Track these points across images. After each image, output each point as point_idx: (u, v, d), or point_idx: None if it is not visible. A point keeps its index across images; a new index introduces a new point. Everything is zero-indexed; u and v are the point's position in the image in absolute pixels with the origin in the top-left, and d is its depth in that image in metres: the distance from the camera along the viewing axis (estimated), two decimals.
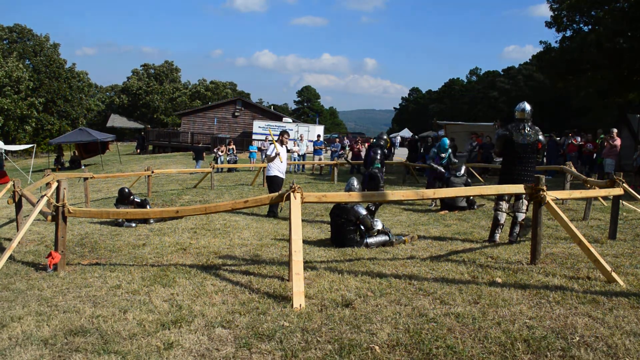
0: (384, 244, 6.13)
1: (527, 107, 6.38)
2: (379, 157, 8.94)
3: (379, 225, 6.26)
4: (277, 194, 4.84)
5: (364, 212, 6.17)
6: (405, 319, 3.54)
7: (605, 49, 17.74)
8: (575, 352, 2.96)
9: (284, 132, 9.78)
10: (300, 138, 22.36)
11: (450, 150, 11.09)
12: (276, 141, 9.49)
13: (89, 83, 61.72)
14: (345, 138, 23.17)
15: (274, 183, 9.20)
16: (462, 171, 10.19)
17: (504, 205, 6.36)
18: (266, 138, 23.82)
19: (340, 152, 20.77)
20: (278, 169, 9.28)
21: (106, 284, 4.62)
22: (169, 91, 66.75)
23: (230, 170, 19.92)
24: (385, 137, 9.54)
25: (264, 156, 20.77)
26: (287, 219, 5.20)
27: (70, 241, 6.60)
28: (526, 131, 6.23)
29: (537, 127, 6.36)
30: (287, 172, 19.92)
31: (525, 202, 6.35)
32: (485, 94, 62.19)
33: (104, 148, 27.63)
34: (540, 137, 6.30)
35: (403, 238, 6.39)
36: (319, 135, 23.05)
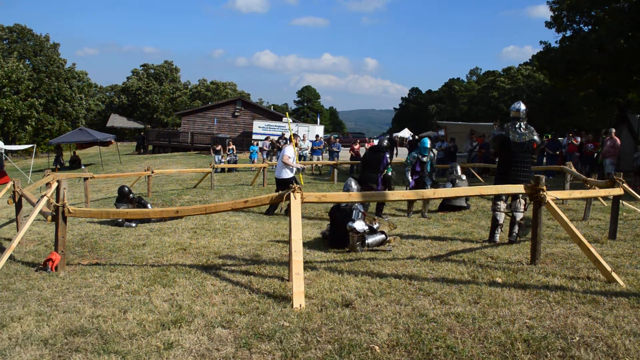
0: (382, 242, 6.12)
1: (522, 106, 6.42)
2: (389, 161, 9.05)
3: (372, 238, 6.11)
4: (277, 194, 4.84)
5: (360, 226, 5.92)
6: (405, 319, 3.54)
7: (606, 50, 17.73)
8: (575, 352, 2.96)
9: (295, 135, 10.02)
10: (303, 138, 22.36)
11: (433, 155, 9.55)
12: (290, 143, 9.67)
13: (88, 83, 61.75)
14: (336, 139, 22.86)
15: (287, 185, 9.31)
16: (459, 173, 10.14)
17: (502, 205, 6.38)
18: (267, 138, 23.81)
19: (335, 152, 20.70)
20: (291, 170, 9.40)
21: (106, 284, 4.62)
22: (169, 91, 66.77)
23: (230, 170, 19.91)
24: (386, 142, 9.51)
25: (264, 156, 20.79)
26: (287, 219, 5.20)
27: (70, 241, 6.60)
28: (522, 130, 6.27)
29: (532, 127, 6.39)
30: None
31: (523, 201, 6.37)
32: (485, 94, 62.18)
33: (104, 143, 27.62)
34: (535, 137, 6.32)
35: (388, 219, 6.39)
36: (317, 136, 23.06)
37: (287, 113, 16.57)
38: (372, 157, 9.02)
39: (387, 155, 8.94)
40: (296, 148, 9.56)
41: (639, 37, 17.48)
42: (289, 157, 9.25)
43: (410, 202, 9.05)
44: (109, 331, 3.43)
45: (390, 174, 8.94)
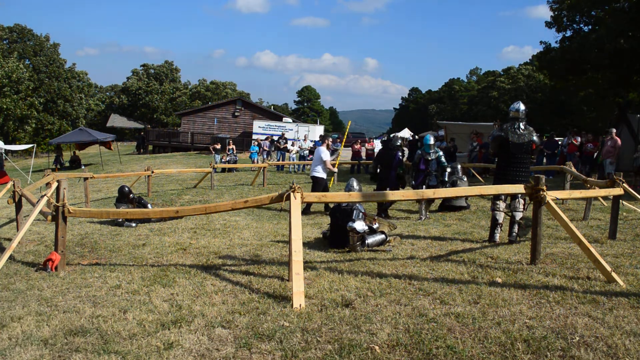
0: (381, 242, 6.12)
1: (522, 106, 6.42)
2: (401, 159, 9.20)
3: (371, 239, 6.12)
4: (276, 194, 4.84)
5: (361, 227, 5.96)
6: (405, 319, 3.54)
7: (607, 50, 17.73)
8: (575, 352, 2.96)
9: (327, 136, 10.45)
10: (304, 138, 22.43)
11: (439, 152, 9.20)
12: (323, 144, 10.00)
13: (88, 83, 61.76)
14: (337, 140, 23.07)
15: (322, 184, 9.67)
16: (460, 174, 10.16)
17: (501, 204, 6.38)
18: (267, 138, 23.84)
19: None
20: (325, 170, 9.59)
21: (106, 284, 4.62)
22: (169, 91, 66.76)
23: (230, 170, 19.91)
24: (400, 141, 9.61)
25: (265, 156, 20.80)
26: (288, 219, 5.19)
27: (70, 241, 6.60)
28: (521, 130, 6.27)
29: (531, 127, 6.38)
30: (287, 172, 20.01)
31: (522, 200, 6.37)
32: (485, 94, 62.17)
33: (105, 143, 27.60)
34: (535, 137, 6.32)
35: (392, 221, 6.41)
36: (321, 136, 23.15)
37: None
38: (385, 155, 9.16)
39: (399, 154, 9.08)
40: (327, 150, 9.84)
41: (639, 37, 17.47)
42: (327, 160, 9.50)
43: (421, 202, 8.81)
44: (109, 331, 3.43)
45: (401, 172, 9.10)
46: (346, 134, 17.02)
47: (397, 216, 9.08)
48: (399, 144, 9.27)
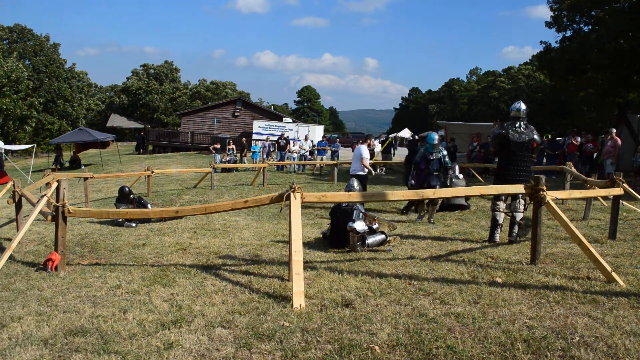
0: (381, 242, 6.12)
1: (523, 106, 6.43)
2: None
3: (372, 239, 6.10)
4: (277, 193, 4.84)
5: (361, 227, 5.95)
6: (405, 319, 3.54)
7: (607, 50, 17.72)
8: (575, 352, 2.96)
9: (370, 136, 10.76)
10: (305, 138, 22.45)
11: (443, 151, 8.66)
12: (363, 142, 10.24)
13: (88, 83, 61.75)
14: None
15: (365, 182, 9.78)
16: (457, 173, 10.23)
17: (501, 205, 6.38)
18: (267, 138, 23.85)
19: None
20: (362, 169, 9.70)
21: (106, 284, 4.62)
22: (169, 91, 66.75)
23: (230, 170, 19.90)
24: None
25: (265, 156, 20.79)
26: (288, 219, 5.19)
27: (70, 241, 6.60)
28: (521, 129, 6.27)
29: (532, 126, 6.38)
30: (287, 172, 20.02)
31: (522, 201, 6.37)
32: (485, 94, 62.17)
33: (104, 145, 27.59)
34: (535, 136, 6.33)
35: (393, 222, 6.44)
36: (324, 136, 23.18)
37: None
38: (412, 155, 9.81)
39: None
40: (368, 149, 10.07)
41: (639, 37, 17.46)
42: (366, 158, 9.63)
43: (417, 204, 8.73)
44: (109, 331, 3.43)
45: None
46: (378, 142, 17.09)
47: (398, 216, 9.08)
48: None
